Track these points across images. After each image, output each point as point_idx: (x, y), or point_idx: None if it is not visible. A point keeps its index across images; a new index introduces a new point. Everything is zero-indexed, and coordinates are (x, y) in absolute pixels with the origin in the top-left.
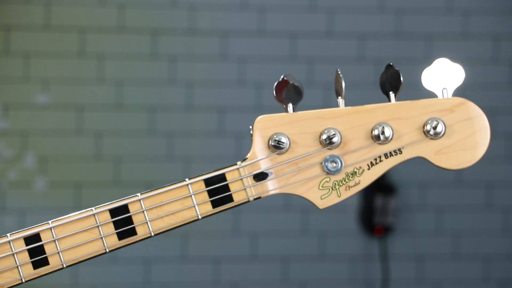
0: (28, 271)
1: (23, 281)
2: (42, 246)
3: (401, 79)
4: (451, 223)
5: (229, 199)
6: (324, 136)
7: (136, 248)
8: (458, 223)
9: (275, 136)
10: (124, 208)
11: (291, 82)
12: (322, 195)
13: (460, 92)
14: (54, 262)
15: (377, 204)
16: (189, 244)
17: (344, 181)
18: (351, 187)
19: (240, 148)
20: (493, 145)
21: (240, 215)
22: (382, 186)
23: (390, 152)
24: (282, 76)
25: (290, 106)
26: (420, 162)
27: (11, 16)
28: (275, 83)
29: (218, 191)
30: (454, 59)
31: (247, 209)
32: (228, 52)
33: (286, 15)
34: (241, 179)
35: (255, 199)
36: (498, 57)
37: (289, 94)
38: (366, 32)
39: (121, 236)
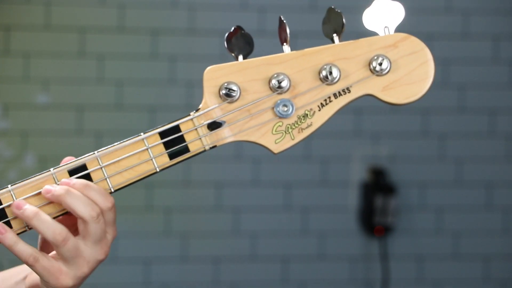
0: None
1: None
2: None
3: (343, 20)
4: (451, 223)
5: (185, 149)
6: (273, 81)
7: (136, 248)
8: (458, 223)
9: (225, 85)
10: (83, 167)
11: (241, 32)
12: (276, 140)
13: (460, 91)
14: None
15: (377, 204)
16: (189, 244)
17: (297, 124)
18: (304, 129)
19: (240, 146)
20: (493, 145)
21: (240, 215)
22: (382, 186)
23: (339, 92)
24: (233, 27)
25: (240, 57)
26: (420, 161)
27: (11, 16)
28: (226, 33)
29: (174, 143)
30: (454, 59)
31: (247, 209)
32: None
33: (286, 15)
34: (196, 129)
35: (211, 148)
36: (498, 57)
37: (239, 43)
38: (366, 32)
39: None
